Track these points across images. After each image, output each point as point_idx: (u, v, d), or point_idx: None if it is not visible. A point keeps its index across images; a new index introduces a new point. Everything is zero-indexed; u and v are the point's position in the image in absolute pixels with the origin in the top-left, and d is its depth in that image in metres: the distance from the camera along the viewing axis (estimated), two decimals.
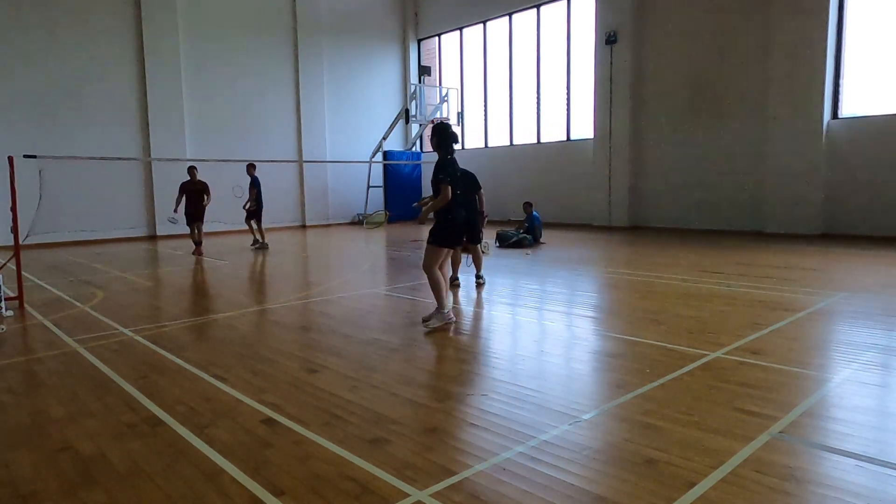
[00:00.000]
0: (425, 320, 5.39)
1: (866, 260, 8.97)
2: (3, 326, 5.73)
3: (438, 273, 5.40)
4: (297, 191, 18.99)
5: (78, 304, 6.93)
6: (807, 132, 12.20)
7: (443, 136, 5.42)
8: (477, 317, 6.18)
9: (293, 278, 9.20)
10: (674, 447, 2.87)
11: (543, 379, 4.12)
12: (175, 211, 11.59)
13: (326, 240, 15.04)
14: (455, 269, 7.58)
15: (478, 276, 7.55)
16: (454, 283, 7.51)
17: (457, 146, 5.60)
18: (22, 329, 5.79)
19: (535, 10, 17.64)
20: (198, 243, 11.62)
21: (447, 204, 5.31)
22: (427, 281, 5.51)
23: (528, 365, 4.43)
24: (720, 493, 2.45)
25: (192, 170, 11.72)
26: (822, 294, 6.44)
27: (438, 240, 5.38)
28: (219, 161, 14.77)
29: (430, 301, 6.86)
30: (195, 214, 11.62)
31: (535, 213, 12.32)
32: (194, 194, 11.61)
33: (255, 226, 12.59)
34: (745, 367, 4.06)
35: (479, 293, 7.04)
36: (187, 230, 11.91)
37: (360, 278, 8.62)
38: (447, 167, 5.32)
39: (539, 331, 5.53)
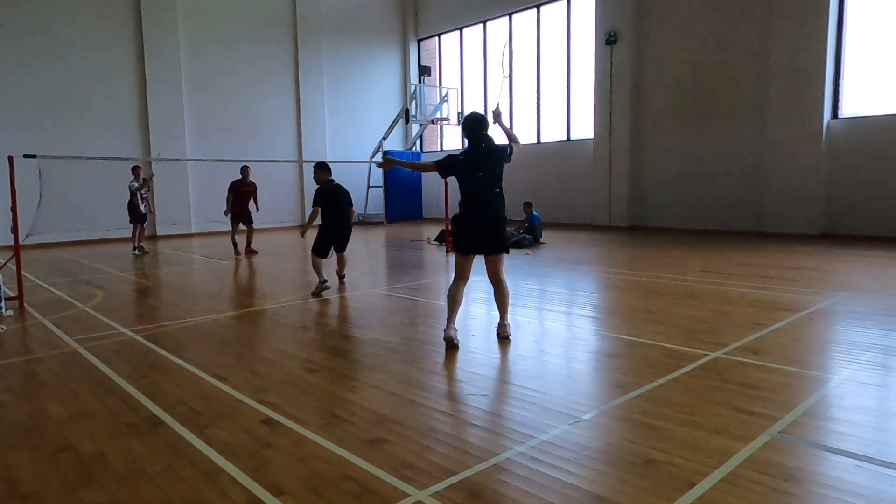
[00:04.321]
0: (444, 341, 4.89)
1: (866, 260, 8.97)
2: (3, 326, 5.73)
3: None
4: (297, 191, 18.97)
5: (78, 304, 6.93)
6: (807, 132, 12.20)
7: (464, 126, 4.98)
8: (476, 317, 6.18)
9: (293, 278, 9.19)
10: (674, 447, 2.87)
11: (543, 379, 4.11)
12: (226, 213, 11.31)
13: None
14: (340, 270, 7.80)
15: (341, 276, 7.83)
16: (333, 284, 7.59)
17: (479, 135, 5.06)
18: (22, 329, 5.79)
19: (535, 10, 17.63)
20: (245, 244, 11.51)
21: (462, 200, 4.98)
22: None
23: (528, 365, 4.43)
24: (720, 493, 2.45)
25: (245, 169, 11.43)
26: (822, 294, 6.44)
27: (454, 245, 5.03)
28: (219, 161, 14.77)
29: (430, 301, 6.87)
30: (242, 215, 11.42)
31: (535, 212, 12.32)
32: (244, 195, 11.39)
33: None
34: (745, 367, 4.06)
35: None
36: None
37: (360, 278, 8.61)
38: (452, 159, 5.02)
39: (539, 331, 5.54)
